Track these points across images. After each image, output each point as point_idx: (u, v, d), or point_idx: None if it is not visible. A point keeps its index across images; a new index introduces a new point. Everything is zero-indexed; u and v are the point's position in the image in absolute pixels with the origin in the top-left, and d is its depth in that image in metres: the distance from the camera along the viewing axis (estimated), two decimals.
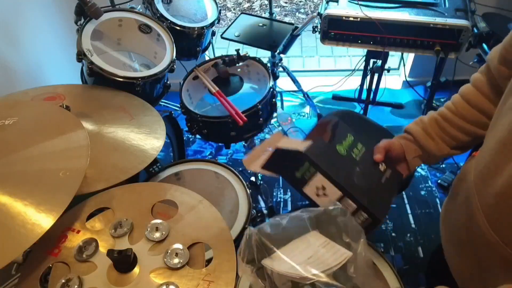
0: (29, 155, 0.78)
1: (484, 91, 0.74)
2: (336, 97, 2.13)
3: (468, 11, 1.37)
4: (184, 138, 1.77)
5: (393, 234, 1.74)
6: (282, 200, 1.91)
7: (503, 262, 0.59)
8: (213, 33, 1.66)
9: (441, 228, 0.82)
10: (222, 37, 1.68)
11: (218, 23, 1.56)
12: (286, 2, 3.69)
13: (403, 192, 1.90)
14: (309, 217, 0.69)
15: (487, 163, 0.61)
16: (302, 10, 3.61)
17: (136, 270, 0.70)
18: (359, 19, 1.38)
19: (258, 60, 1.55)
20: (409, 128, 0.84)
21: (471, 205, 0.64)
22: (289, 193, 1.93)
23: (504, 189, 0.55)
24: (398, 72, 2.53)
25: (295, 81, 2.06)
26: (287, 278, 0.63)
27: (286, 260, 0.64)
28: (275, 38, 1.65)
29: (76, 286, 0.67)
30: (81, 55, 1.15)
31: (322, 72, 2.80)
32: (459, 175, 0.78)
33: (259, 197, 1.90)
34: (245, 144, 2.12)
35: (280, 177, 1.78)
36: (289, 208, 1.88)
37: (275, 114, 1.54)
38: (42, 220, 0.65)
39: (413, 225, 1.77)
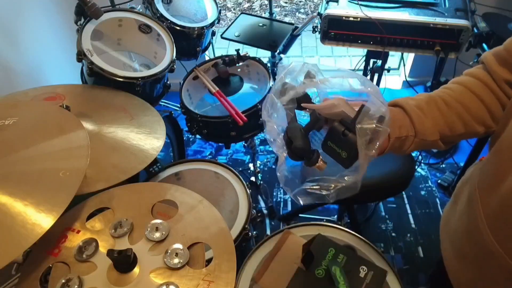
0: (29, 155, 0.78)
1: (491, 86, 0.65)
2: None
3: (468, 11, 1.37)
4: (184, 138, 1.77)
5: (393, 234, 1.74)
6: (282, 200, 1.91)
7: (505, 272, 0.57)
8: (213, 33, 1.66)
9: (441, 235, 0.79)
10: (222, 37, 1.68)
11: (218, 23, 1.56)
12: (286, 2, 3.69)
13: (403, 192, 1.90)
14: None
15: (494, 169, 0.58)
16: (302, 10, 3.61)
17: (136, 270, 0.70)
18: (359, 19, 1.38)
19: (258, 60, 1.55)
20: (398, 101, 0.67)
21: (473, 211, 0.61)
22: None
23: (509, 195, 0.52)
24: (398, 72, 2.53)
25: None
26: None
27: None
28: (275, 38, 1.65)
29: (76, 286, 0.67)
30: (81, 55, 1.15)
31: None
32: (463, 178, 0.74)
33: (259, 197, 1.90)
34: (245, 144, 2.12)
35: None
36: (289, 208, 1.88)
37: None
38: (42, 220, 0.65)
39: (413, 225, 1.77)
